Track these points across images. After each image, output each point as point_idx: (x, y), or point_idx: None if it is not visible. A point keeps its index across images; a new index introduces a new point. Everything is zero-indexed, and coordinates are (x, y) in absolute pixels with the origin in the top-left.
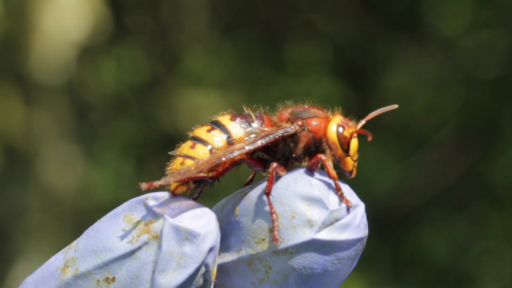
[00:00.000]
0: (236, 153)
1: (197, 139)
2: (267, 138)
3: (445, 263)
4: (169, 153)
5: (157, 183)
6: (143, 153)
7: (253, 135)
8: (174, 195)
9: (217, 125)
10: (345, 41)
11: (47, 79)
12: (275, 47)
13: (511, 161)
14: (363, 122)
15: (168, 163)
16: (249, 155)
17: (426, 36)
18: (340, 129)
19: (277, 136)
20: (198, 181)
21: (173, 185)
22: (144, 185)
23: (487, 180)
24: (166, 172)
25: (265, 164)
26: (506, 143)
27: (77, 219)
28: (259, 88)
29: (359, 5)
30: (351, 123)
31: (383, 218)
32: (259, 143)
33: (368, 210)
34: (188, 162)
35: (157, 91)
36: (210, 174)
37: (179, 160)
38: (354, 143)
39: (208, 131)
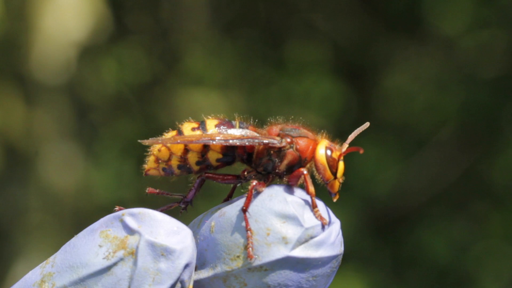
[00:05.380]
0: (215, 142)
1: (181, 133)
2: (251, 140)
3: (445, 263)
4: (149, 140)
5: (145, 141)
6: (143, 153)
7: (239, 133)
8: (146, 175)
9: (203, 127)
10: (345, 41)
11: (47, 79)
12: (275, 47)
13: (511, 161)
14: (346, 145)
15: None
16: (214, 173)
17: (426, 36)
18: (329, 152)
19: (261, 142)
20: (169, 171)
21: (148, 166)
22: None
23: (487, 180)
24: (146, 159)
25: (236, 180)
26: (506, 143)
27: (77, 219)
28: (259, 88)
29: (359, 5)
30: (337, 147)
31: (383, 218)
32: (245, 142)
33: (368, 210)
34: (164, 151)
35: (157, 91)
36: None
37: (158, 146)
38: (341, 166)
39: (193, 129)
